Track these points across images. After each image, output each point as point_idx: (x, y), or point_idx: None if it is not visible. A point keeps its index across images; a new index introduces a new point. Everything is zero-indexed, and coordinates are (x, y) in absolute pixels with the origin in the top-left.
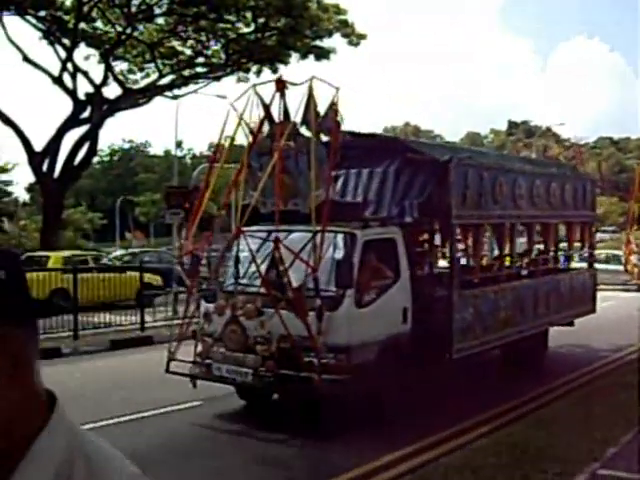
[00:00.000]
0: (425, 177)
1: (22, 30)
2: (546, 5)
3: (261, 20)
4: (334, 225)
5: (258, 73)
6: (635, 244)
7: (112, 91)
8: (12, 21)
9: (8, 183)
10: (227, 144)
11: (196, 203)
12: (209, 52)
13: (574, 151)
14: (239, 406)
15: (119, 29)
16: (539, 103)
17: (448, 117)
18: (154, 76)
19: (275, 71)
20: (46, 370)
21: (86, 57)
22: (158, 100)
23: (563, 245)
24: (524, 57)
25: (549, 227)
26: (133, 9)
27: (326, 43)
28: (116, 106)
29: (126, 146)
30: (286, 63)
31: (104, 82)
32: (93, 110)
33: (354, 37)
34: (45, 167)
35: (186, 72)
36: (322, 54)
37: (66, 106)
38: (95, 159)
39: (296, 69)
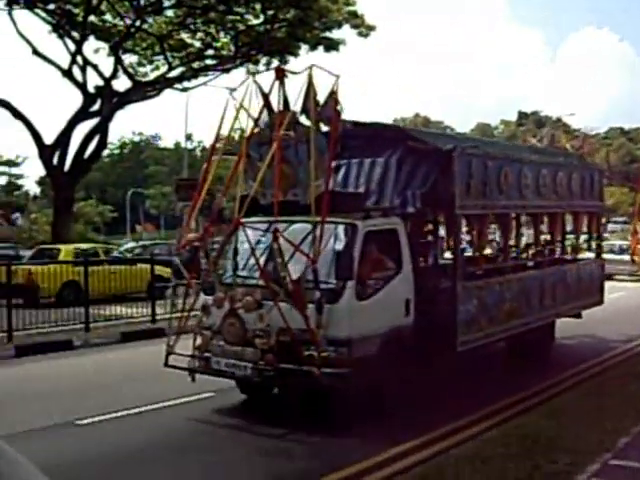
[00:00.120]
0: (428, 167)
1: (31, 24)
2: None
3: (270, 12)
4: (335, 216)
5: (267, 65)
6: None
7: (122, 84)
8: (22, 15)
9: (19, 177)
10: (229, 133)
11: (195, 195)
12: (218, 44)
13: (582, 141)
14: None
15: (128, 22)
16: (549, 94)
17: (458, 108)
18: (163, 69)
19: (285, 63)
20: (57, 362)
21: (95, 50)
22: (168, 93)
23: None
24: (534, 48)
25: (556, 217)
26: (142, 2)
27: (335, 34)
28: (126, 99)
29: (136, 139)
30: (296, 55)
31: (114, 75)
32: (103, 103)
33: (363, 28)
34: (55, 160)
35: (195, 64)
36: (331, 45)
37: (76, 99)
38: (105, 152)
39: (306, 61)
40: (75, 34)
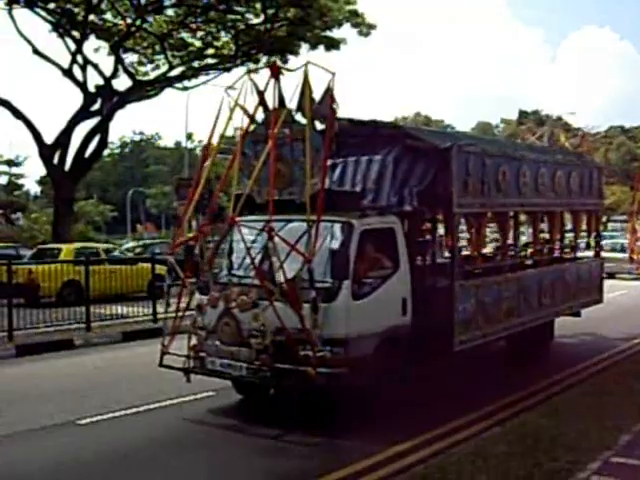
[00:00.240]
0: (425, 165)
1: (32, 23)
2: None
3: (271, 11)
4: (331, 214)
5: (268, 64)
6: None
7: (122, 83)
8: (22, 14)
9: (19, 176)
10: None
11: (189, 193)
12: (219, 43)
13: (580, 139)
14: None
15: (129, 21)
16: (550, 93)
17: (459, 107)
18: (164, 68)
19: (285, 62)
20: (58, 362)
21: (96, 49)
22: (168, 92)
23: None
24: (535, 47)
25: (554, 216)
26: (142, 1)
27: (336, 33)
28: (126, 98)
29: (137, 138)
30: (296, 54)
31: (114, 74)
32: (103, 102)
33: (364, 27)
34: (56, 160)
35: (196, 64)
36: (332, 44)
37: (76, 98)
38: (106, 151)
39: (306, 60)
40: (75, 33)
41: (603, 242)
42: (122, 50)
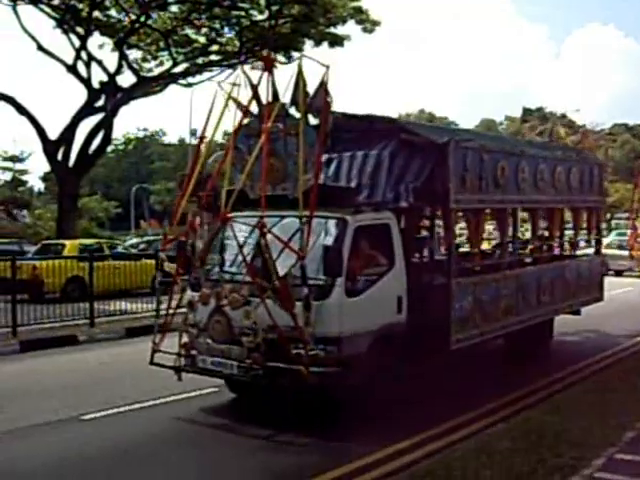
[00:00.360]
0: (422, 160)
1: (36, 19)
2: None
3: (275, 7)
4: (325, 210)
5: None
6: None
7: (126, 79)
8: (26, 10)
9: (23, 172)
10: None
11: (183, 186)
12: (223, 40)
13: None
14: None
15: (133, 17)
16: (554, 90)
17: (463, 104)
18: (168, 64)
19: (289, 59)
20: (62, 358)
21: (100, 45)
22: (172, 88)
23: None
24: (539, 44)
25: (554, 212)
26: None
27: (340, 30)
28: (130, 94)
29: (141, 134)
30: (300, 50)
31: (118, 70)
32: (107, 98)
33: (368, 24)
34: (60, 156)
35: (200, 60)
36: (336, 41)
37: (80, 95)
38: (110, 148)
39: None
40: (80, 29)
41: (609, 239)
42: (126, 46)
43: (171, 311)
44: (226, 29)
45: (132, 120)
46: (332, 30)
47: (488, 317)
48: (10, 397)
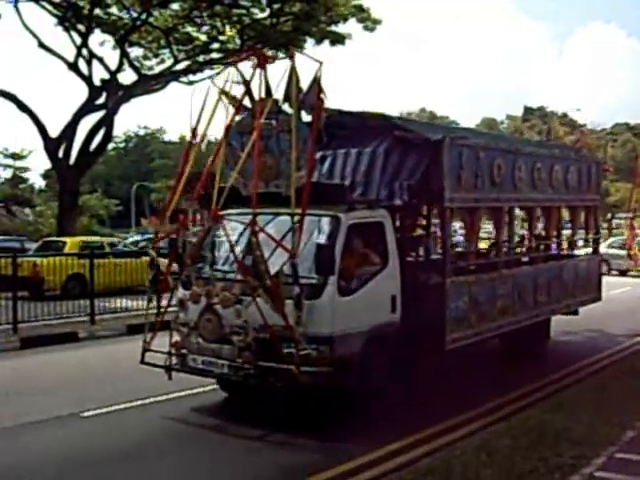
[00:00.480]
0: (417, 158)
1: (37, 16)
2: None
3: (276, 5)
4: (318, 208)
5: (273, 59)
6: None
7: (127, 77)
8: (27, 7)
9: (24, 169)
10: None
11: (176, 184)
12: (224, 38)
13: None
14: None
15: (134, 15)
16: (555, 89)
17: (464, 103)
18: (169, 62)
19: (290, 57)
20: (63, 355)
21: (101, 43)
22: (173, 86)
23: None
24: (541, 43)
25: (551, 211)
26: None
27: (341, 28)
28: (131, 92)
29: (141, 132)
30: (301, 48)
31: (119, 68)
32: (108, 96)
33: (370, 22)
34: (61, 153)
35: (201, 58)
36: (337, 39)
37: (81, 92)
38: (110, 145)
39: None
40: (81, 27)
41: (612, 239)
42: (127, 44)
43: (162, 309)
44: (227, 27)
45: (133, 118)
46: (333, 28)
47: (484, 317)
48: (11, 394)
